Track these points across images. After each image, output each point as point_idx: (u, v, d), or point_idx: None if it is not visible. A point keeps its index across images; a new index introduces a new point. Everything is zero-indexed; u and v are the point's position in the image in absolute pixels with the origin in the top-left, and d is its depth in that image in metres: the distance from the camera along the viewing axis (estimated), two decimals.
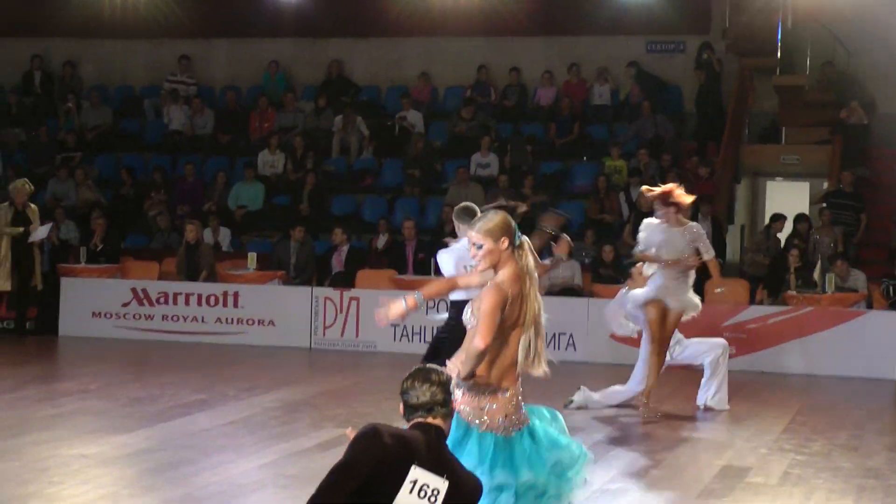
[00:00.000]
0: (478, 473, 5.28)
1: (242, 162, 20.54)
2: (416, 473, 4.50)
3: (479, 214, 8.04)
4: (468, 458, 5.53)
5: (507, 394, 5.87)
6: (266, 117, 21.41)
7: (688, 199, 11.52)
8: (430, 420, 4.90)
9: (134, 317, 16.84)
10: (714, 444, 10.67)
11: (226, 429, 10.76)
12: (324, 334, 16.33)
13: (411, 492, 4.52)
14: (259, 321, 16.53)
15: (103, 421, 10.98)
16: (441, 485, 4.56)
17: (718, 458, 9.98)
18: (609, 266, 16.60)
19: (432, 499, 4.50)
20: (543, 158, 20.21)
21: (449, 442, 5.23)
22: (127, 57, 22.89)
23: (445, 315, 9.70)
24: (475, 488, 4.85)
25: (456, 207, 9.78)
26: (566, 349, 15.44)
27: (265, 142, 20.77)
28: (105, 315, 16.88)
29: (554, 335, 15.61)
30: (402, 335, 16.08)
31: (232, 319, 16.60)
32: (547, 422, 6.05)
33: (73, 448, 9.68)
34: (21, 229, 16.26)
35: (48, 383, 13.27)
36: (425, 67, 21.78)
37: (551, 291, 16.59)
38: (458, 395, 5.74)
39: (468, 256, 7.53)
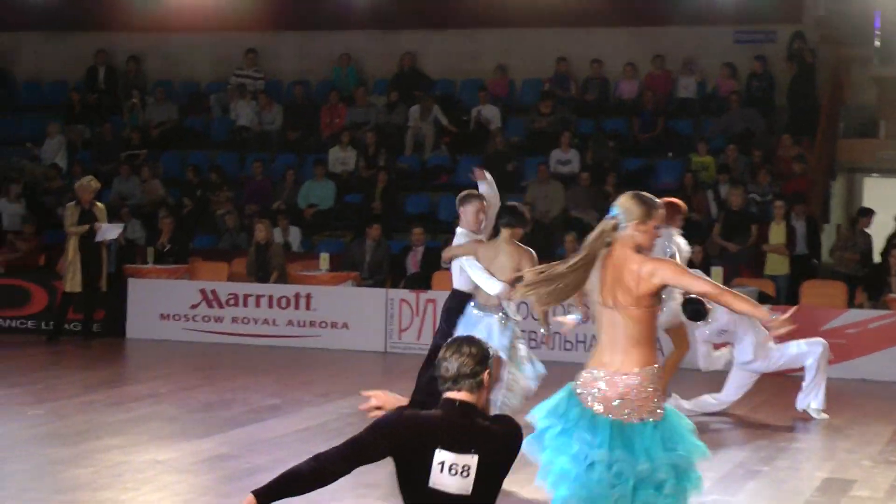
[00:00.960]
0: (592, 454, 5.42)
1: (312, 159, 20.64)
2: (442, 455, 4.66)
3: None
4: (582, 437, 5.58)
5: (629, 378, 5.86)
6: (336, 112, 21.50)
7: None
8: (454, 394, 4.95)
9: (203, 319, 16.98)
10: (814, 454, 10.57)
11: (301, 435, 10.81)
12: (399, 337, 16.36)
13: (442, 471, 4.71)
14: (332, 324, 16.61)
15: (176, 426, 11.09)
16: (470, 460, 4.70)
17: (820, 470, 9.88)
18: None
19: (465, 474, 4.67)
20: (626, 155, 20.10)
21: (564, 419, 5.53)
22: (192, 51, 23.10)
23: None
24: (513, 439, 4.93)
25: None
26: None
27: (336, 138, 20.86)
28: (173, 317, 17.05)
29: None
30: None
31: (304, 322, 16.69)
32: (679, 419, 6.03)
33: (147, 454, 9.78)
34: (87, 227, 16.44)
35: (117, 387, 13.43)
36: (502, 60, 21.75)
37: None
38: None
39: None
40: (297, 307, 16.75)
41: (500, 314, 9.68)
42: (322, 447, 10.13)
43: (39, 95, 23.47)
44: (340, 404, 12.41)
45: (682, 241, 11.51)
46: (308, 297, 16.73)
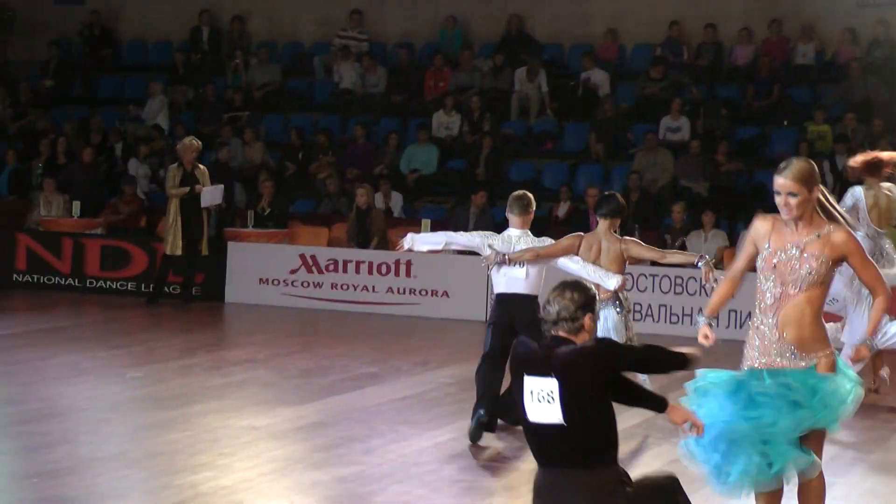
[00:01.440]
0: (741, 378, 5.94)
1: (416, 123, 20.69)
2: (528, 382, 4.99)
3: (532, 206, 9.69)
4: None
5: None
6: (441, 76, 21.51)
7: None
8: (552, 333, 5.17)
9: (302, 284, 17.16)
10: None
11: (399, 404, 10.91)
12: None
13: (532, 399, 4.99)
14: (433, 292, 16.69)
15: (272, 392, 11.25)
16: (551, 384, 4.94)
17: None
18: None
19: (549, 399, 4.92)
20: (739, 123, 19.84)
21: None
22: (296, 11, 23.25)
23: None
24: (592, 357, 5.08)
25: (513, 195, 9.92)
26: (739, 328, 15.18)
27: (440, 102, 20.87)
28: (272, 282, 17.24)
29: (733, 312, 15.28)
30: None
31: (404, 289, 16.79)
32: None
33: (243, 419, 9.94)
34: (188, 189, 16.65)
35: (216, 351, 13.64)
36: (612, 24, 21.56)
37: None
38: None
39: (507, 247, 9.52)
40: (397, 274, 16.85)
41: (617, 305, 9.63)
42: (420, 417, 10.31)
43: (143, 55, 23.81)
44: (439, 373, 12.48)
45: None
46: (408, 263, 16.82)
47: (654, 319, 15.88)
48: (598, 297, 7.98)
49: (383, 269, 16.91)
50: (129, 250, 17.92)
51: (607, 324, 9.49)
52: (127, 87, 22.97)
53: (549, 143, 20.37)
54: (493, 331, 9.64)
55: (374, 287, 16.89)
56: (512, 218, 9.75)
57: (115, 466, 8.33)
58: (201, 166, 17.18)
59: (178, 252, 16.72)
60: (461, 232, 10.40)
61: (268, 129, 21.44)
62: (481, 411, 9.31)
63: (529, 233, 9.75)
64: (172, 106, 22.12)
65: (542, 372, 5.00)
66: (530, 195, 9.83)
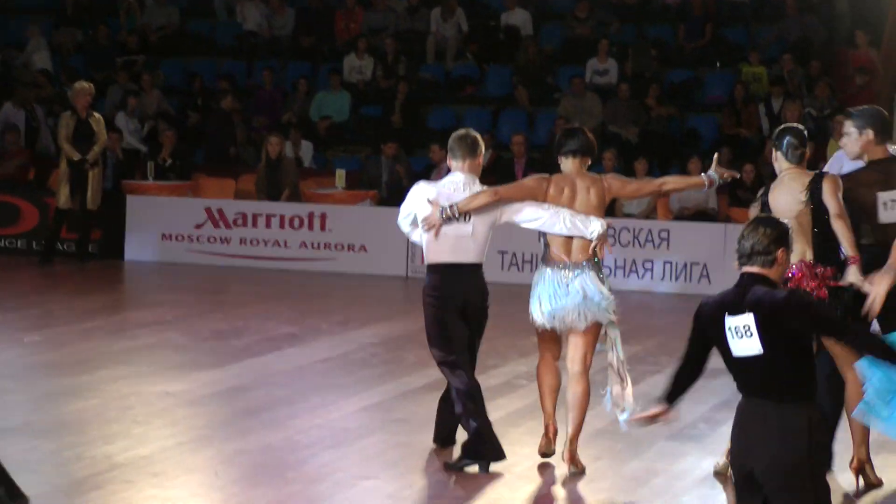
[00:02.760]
0: None
1: (326, 68, 20.50)
2: (728, 320, 5.51)
3: (479, 146, 8.21)
4: None
5: None
6: (353, 17, 21.32)
7: None
8: (748, 268, 5.57)
9: (209, 240, 16.97)
10: None
11: (322, 366, 10.85)
12: (422, 262, 16.20)
13: (733, 336, 5.50)
14: (349, 247, 16.59)
15: (185, 356, 11.13)
16: (748, 319, 5.47)
17: None
18: (748, 188, 16.36)
19: (748, 333, 5.46)
20: (671, 65, 19.92)
21: None
22: None
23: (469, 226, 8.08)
24: (794, 304, 5.51)
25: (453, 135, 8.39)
26: (699, 281, 15.33)
27: (352, 45, 20.69)
28: (176, 238, 17.02)
29: (685, 265, 15.49)
30: (510, 263, 16.04)
31: (319, 244, 16.68)
32: None
33: (156, 385, 9.81)
34: (78, 157, 16.36)
35: (119, 313, 13.48)
36: None
37: (682, 216, 16.45)
38: None
39: (454, 195, 7.98)
40: (310, 228, 16.72)
41: (595, 264, 7.96)
42: (345, 380, 10.24)
43: None
44: (361, 333, 12.42)
45: None
46: (322, 217, 16.70)
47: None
48: (558, 259, 7.85)
49: (296, 223, 16.77)
50: (18, 205, 17.58)
51: (587, 292, 7.87)
52: (10, 31, 22.45)
53: (470, 88, 20.30)
54: (448, 327, 7.95)
55: (286, 242, 16.75)
56: (454, 164, 8.13)
57: (22, 438, 8.16)
58: (96, 114, 16.89)
59: (70, 206, 16.42)
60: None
61: (166, 75, 21.12)
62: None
63: (478, 181, 8.19)
64: (61, 49, 21.66)
65: (738, 310, 5.52)
66: (476, 133, 8.34)
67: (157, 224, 17.13)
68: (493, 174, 17.78)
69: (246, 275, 16.27)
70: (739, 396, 5.54)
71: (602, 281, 7.98)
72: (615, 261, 15.68)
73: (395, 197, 17.32)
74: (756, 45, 19.52)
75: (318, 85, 20.34)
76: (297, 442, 8.34)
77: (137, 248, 17.14)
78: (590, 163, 8.19)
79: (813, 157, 16.48)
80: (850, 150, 7.80)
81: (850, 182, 7.61)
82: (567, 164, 8.11)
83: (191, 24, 22.21)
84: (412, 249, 16.33)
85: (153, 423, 8.69)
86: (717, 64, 19.89)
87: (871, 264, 7.29)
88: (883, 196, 7.61)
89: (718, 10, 20.47)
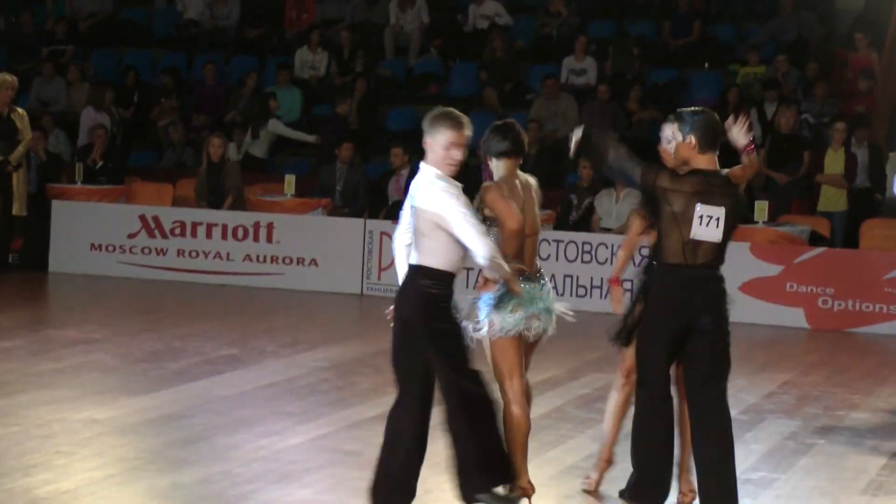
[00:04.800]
0: None
1: (275, 62, 20.54)
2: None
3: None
4: None
5: None
6: (305, 6, 21.39)
7: None
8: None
9: (143, 251, 16.96)
10: (880, 425, 10.63)
11: (267, 392, 10.85)
12: (379, 277, 16.37)
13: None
14: (299, 260, 16.57)
15: (115, 379, 11.10)
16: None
17: (886, 445, 9.94)
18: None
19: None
20: (654, 65, 20.03)
21: None
22: None
23: None
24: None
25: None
26: None
27: (304, 37, 20.75)
28: (107, 248, 16.99)
29: None
30: (475, 281, 16.03)
31: (265, 257, 16.66)
32: None
33: (82, 411, 9.79)
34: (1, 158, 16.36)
35: (42, 331, 13.42)
36: None
37: None
38: None
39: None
40: (256, 239, 16.70)
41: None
42: (292, 407, 10.25)
43: None
44: (311, 356, 12.43)
45: None
46: (270, 227, 16.69)
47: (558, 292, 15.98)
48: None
49: (240, 233, 16.76)
50: None
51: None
52: None
53: (433, 86, 20.37)
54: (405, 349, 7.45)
55: (229, 254, 16.74)
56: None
57: None
58: (20, 109, 16.86)
59: None
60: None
61: (97, 67, 21.09)
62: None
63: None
64: None
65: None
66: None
67: (86, 232, 17.09)
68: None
69: (184, 290, 16.26)
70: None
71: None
72: (591, 279, 15.76)
73: (350, 206, 17.38)
74: (748, 45, 19.64)
75: (267, 81, 20.36)
76: (239, 475, 8.34)
77: (63, 258, 17.10)
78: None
79: (810, 167, 16.80)
80: (669, 158, 7.78)
81: (676, 184, 7.60)
82: (501, 167, 7.90)
83: (125, 12, 22.24)
84: (368, 264, 16.37)
85: (78, 453, 8.66)
86: (706, 64, 20.03)
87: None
88: (700, 209, 7.56)
89: (707, 5, 20.62)
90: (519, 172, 7.99)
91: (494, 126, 8.12)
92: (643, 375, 7.69)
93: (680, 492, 8.05)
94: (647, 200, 7.88)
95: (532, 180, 8.01)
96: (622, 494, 7.88)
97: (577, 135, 7.75)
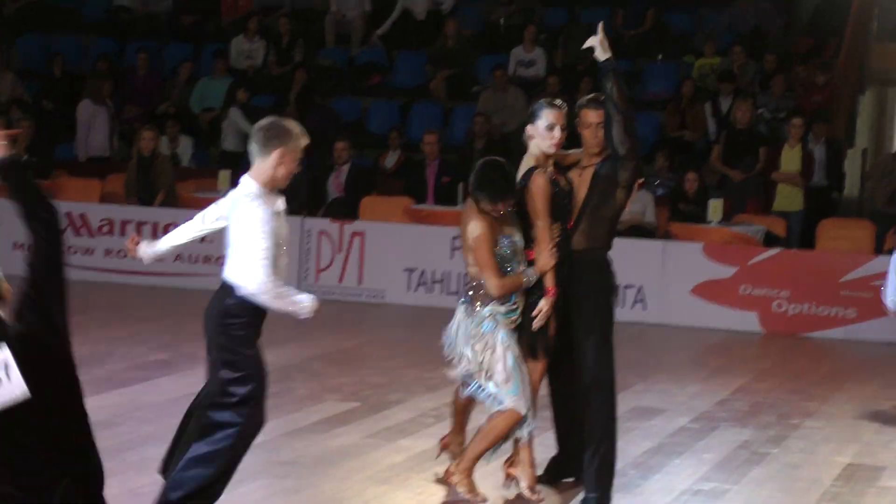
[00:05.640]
0: None
1: (210, 50, 20.51)
2: None
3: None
4: None
5: None
6: None
7: None
8: None
9: (69, 250, 16.85)
10: (834, 435, 10.74)
11: None
12: (317, 279, 16.39)
13: None
14: None
15: None
16: None
17: (841, 454, 10.06)
18: (692, 199, 16.60)
19: None
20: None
21: None
22: None
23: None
24: None
25: None
26: (633, 306, 15.51)
27: (240, 25, 20.72)
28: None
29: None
30: (418, 283, 16.13)
31: (198, 258, 16.65)
32: None
33: None
34: None
35: None
36: None
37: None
38: None
39: None
40: None
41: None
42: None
43: None
44: None
45: None
46: None
47: None
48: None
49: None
50: None
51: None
52: None
53: (376, 77, 20.38)
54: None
55: None
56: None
57: None
58: None
59: None
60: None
61: (22, 54, 20.99)
62: None
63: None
64: None
65: None
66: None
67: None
68: (401, 178, 17.94)
69: (112, 291, 16.22)
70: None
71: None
72: None
73: (288, 203, 17.33)
74: (704, 35, 19.74)
75: (201, 70, 20.33)
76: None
77: None
78: None
79: (766, 164, 16.93)
80: (603, 143, 8.05)
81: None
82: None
83: None
84: (305, 265, 16.39)
85: None
86: (660, 55, 20.12)
87: None
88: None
89: None
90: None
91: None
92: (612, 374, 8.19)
93: None
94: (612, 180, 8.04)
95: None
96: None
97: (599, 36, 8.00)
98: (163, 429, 9.67)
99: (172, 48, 21.02)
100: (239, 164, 18.78)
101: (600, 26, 8.23)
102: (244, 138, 19.06)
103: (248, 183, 7.37)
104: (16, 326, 5.05)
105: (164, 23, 21.43)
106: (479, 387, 8.03)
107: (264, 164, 7.27)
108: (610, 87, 7.93)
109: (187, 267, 16.66)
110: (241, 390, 7.34)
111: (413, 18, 20.77)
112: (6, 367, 4.98)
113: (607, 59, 7.97)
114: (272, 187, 7.35)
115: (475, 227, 7.95)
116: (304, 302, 7.37)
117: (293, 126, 7.37)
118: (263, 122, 7.38)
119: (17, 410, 4.97)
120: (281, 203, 7.47)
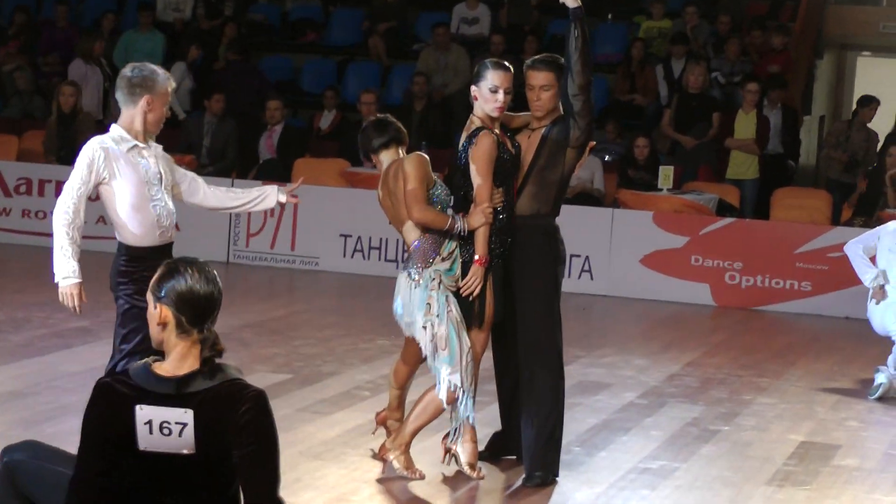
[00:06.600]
0: None
1: (135, 2, 20.36)
2: None
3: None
4: None
5: None
6: None
7: None
8: None
9: None
10: (787, 412, 10.81)
11: None
12: (247, 244, 16.34)
13: None
14: None
15: None
16: None
17: (794, 432, 10.12)
18: (642, 166, 16.64)
19: None
20: (554, 14, 20.10)
21: None
22: None
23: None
24: None
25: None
26: (580, 277, 15.55)
27: None
28: None
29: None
30: (354, 249, 16.12)
31: None
32: None
33: None
34: None
35: None
36: None
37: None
38: None
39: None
40: None
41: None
42: None
43: None
44: None
45: None
46: None
47: None
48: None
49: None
50: None
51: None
52: None
53: (311, 33, 20.32)
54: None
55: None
56: None
57: None
58: None
59: None
60: None
61: None
62: None
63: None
64: None
65: None
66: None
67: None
68: (335, 139, 17.90)
69: (30, 255, 16.12)
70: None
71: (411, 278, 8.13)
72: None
73: (216, 164, 17.29)
74: None
75: (125, 23, 20.20)
76: None
77: None
78: None
79: (720, 130, 16.99)
80: (548, 106, 8.08)
81: None
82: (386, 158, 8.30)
83: None
84: (235, 230, 16.32)
85: None
86: (609, 16, 20.15)
87: None
88: None
89: None
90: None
91: (368, 124, 8.42)
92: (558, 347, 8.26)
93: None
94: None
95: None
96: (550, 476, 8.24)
97: None
98: (82, 400, 9.57)
99: None
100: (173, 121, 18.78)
101: None
102: (190, 95, 19.05)
103: (115, 130, 7.70)
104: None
105: None
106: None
107: (133, 112, 7.57)
108: (577, 35, 7.88)
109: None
110: (125, 346, 7.56)
111: None
112: (183, 427, 5.03)
113: (578, 7, 7.91)
114: (144, 133, 7.61)
115: (410, 166, 7.92)
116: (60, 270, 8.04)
117: (159, 71, 7.57)
118: (126, 69, 7.60)
119: (175, 459, 5.04)
120: (156, 147, 7.76)
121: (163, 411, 5.01)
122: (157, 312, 5.12)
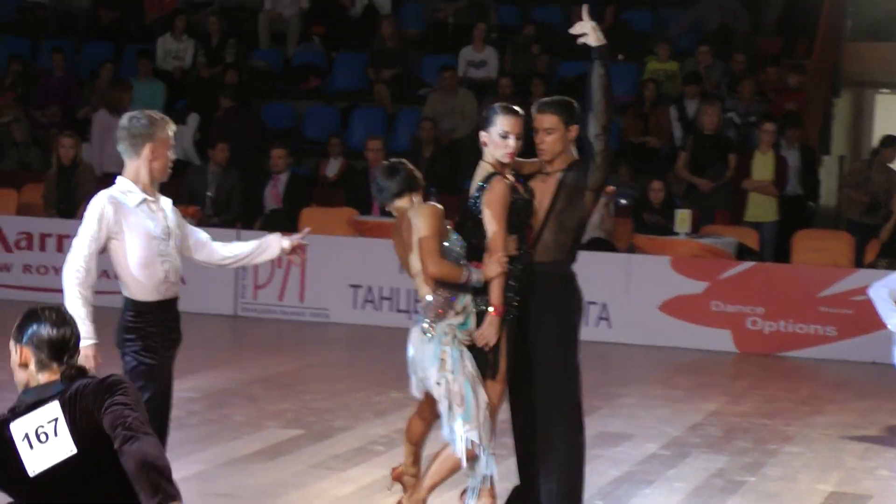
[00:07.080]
0: None
1: (134, 50, 20.42)
2: None
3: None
4: None
5: None
6: None
7: None
8: None
9: None
10: (815, 461, 10.76)
11: None
12: (255, 296, 16.33)
13: None
14: None
15: None
16: None
17: (822, 482, 10.07)
18: (657, 210, 16.63)
19: None
20: (562, 57, 20.16)
21: None
22: None
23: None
24: None
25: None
26: (597, 324, 15.51)
27: (167, 23, 20.66)
28: None
29: None
30: (365, 300, 16.09)
31: None
32: None
33: None
34: None
35: None
36: None
37: None
38: None
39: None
40: None
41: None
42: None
43: None
44: (177, 385, 12.16)
45: None
46: None
47: None
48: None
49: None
50: None
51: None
52: None
53: (314, 79, 20.36)
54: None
55: None
56: None
57: None
58: None
59: None
60: None
61: None
62: None
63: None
64: None
65: None
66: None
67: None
68: (342, 188, 17.91)
69: None
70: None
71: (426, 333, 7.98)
72: None
73: (222, 215, 17.29)
74: (666, 35, 19.82)
75: (124, 72, 20.25)
76: None
77: None
78: None
79: (736, 172, 16.98)
80: (553, 150, 8.03)
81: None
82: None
83: None
84: (242, 282, 16.31)
85: None
86: (620, 56, 20.17)
87: None
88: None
89: None
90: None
91: (378, 171, 8.20)
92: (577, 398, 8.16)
93: None
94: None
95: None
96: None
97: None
98: None
99: (92, 48, 20.95)
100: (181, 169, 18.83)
101: (585, 10, 8.12)
102: (195, 146, 19.07)
103: (122, 183, 7.59)
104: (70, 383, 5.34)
105: (81, 20, 21.33)
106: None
107: (137, 163, 7.47)
108: (601, 73, 7.87)
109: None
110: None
111: (361, 15, 20.80)
112: (55, 423, 5.25)
113: (602, 45, 7.90)
114: (151, 183, 7.52)
115: (424, 217, 7.83)
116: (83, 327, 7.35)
117: (156, 116, 7.52)
118: (124, 119, 7.53)
119: (65, 468, 5.25)
120: (165, 201, 7.65)
121: (32, 416, 5.26)
122: (18, 355, 5.40)
